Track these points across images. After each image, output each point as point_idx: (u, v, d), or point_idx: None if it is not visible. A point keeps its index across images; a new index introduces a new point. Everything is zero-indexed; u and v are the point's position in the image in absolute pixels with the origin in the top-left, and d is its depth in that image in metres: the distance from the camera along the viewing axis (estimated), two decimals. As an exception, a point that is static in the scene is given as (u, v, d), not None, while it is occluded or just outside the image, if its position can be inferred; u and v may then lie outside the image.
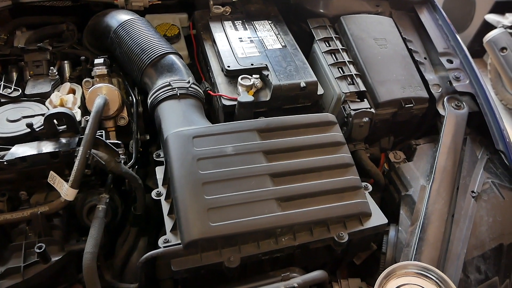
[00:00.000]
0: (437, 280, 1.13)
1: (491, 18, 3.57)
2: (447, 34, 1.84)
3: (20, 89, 1.52)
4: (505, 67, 3.24)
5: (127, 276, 1.39)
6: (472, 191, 1.42)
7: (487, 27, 3.56)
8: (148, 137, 1.63)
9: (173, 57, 1.56)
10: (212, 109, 1.68)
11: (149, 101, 1.48)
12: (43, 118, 1.30)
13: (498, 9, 3.61)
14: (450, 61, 1.75)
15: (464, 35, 3.96)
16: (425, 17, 1.92)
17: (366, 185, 1.32)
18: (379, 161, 1.73)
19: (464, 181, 1.45)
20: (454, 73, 1.71)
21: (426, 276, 1.14)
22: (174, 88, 1.44)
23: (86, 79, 1.54)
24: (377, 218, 1.24)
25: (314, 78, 1.56)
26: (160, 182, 1.30)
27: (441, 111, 1.63)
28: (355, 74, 1.64)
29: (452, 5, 4.06)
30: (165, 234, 1.15)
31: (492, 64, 3.56)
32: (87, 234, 1.20)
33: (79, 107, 1.47)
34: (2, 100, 1.48)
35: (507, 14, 3.42)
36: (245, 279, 1.18)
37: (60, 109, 1.30)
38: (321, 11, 1.90)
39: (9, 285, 1.14)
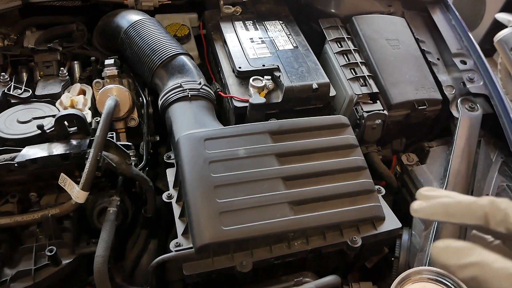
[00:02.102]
0: (452, 286, 1.11)
1: (502, 17, 3.52)
2: (461, 34, 1.82)
3: (30, 90, 1.51)
4: (516, 66, 3.20)
5: (137, 279, 1.39)
6: (487, 195, 1.39)
7: (498, 26, 3.51)
8: (158, 138, 1.62)
9: (184, 58, 1.55)
10: (222, 110, 1.67)
11: (159, 102, 1.47)
12: (53, 119, 1.29)
13: (509, 8, 3.57)
14: (464, 62, 1.72)
15: (474, 34, 3.90)
16: (438, 17, 1.89)
17: (379, 188, 1.30)
18: (390, 163, 1.71)
19: (478, 184, 1.42)
20: (468, 74, 1.68)
21: (441, 282, 1.12)
22: (185, 89, 1.42)
23: (97, 80, 1.53)
24: (391, 222, 1.22)
25: (326, 80, 1.54)
26: (171, 184, 1.29)
27: (454, 113, 1.60)
28: (367, 75, 1.62)
29: (462, 4, 4.01)
30: (176, 237, 1.14)
31: (503, 64, 3.52)
32: (97, 236, 1.19)
33: (89, 108, 1.46)
34: (12, 101, 1.47)
35: (518, 13, 3.38)
36: (257, 283, 1.16)
37: (70, 111, 1.29)
38: (333, 11, 1.88)
39: (20, 288, 1.14)
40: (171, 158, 1.38)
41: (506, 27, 3.34)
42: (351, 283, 1.31)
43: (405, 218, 1.40)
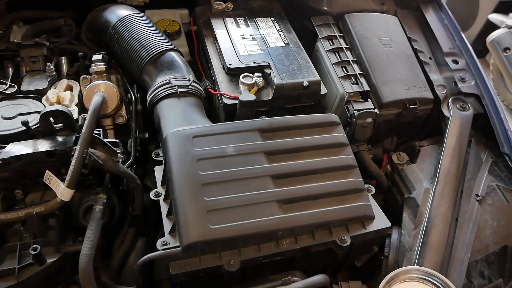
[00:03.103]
0: (440, 286, 1.10)
1: (495, 18, 3.54)
2: (453, 34, 1.81)
3: (15, 85, 1.48)
4: (508, 67, 3.21)
5: (125, 277, 1.37)
6: (477, 195, 1.39)
7: (491, 27, 3.53)
8: (147, 135, 1.60)
9: (173, 54, 1.53)
10: (212, 107, 1.65)
11: (148, 99, 1.45)
12: (39, 115, 1.27)
13: (502, 9, 3.58)
14: (456, 62, 1.72)
15: (467, 34, 3.93)
16: (431, 16, 1.89)
17: (369, 187, 1.30)
18: (381, 163, 1.71)
19: (468, 184, 1.42)
20: (459, 73, 1.68)
21: (430, 282, 1.11)
22: (174, 86, 1.41)
23: (84, 75, 1.51)
24: (380, 221, 1.21)
25: (318, 77, 1.53)
26: (158, 182, 1.28)
27: (445, 113, 1.60)
28: (359, 73, 1.61)
29: (455, 5, 4.02)
30: (163, 235, 1.12)
31: (495, 64, 3.53)
32: (84, 234, 1.17)
33: (76, 105, 1.44)
34: (-3, 97, 1.45)
35: (511, 14, 3.39)
36: (245, 282, 1.15)
37: (56, 107, 1.27)
38: (325, 8, 1.87)
39: (3, 287, 1.12)
40: (160, 155, 1.36)
41: (499, 28, 3.36)
42: (341, 282, 1.30)
43: (395, 217, 1.40)
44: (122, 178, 1.37)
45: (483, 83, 1.64)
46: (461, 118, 1.57)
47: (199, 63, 1.82)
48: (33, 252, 1.11)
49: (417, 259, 1.25)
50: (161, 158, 1.35)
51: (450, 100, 1.62)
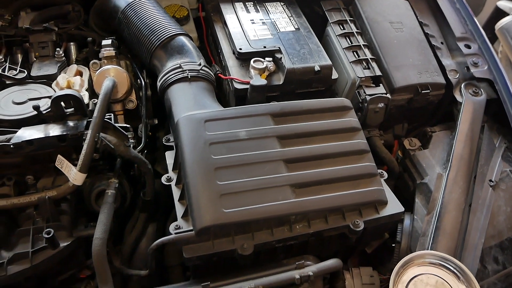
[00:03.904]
0: (455, 271, 1.10)
1: (504, 4, 3.49)
2: (465, 18, 1.78)
3: (25, 71, 1.47)
4: (517, 55, 3.17)
5: (136, 263, 1.37)
6: (490, 180, 1.38)
7: (499, 14, 3.48)
8: (156, 122, 1.59)
9: (183, 38, 1.52)
10: (222, 93, 1.64)
11: (158, 83, 1.44)
12: (49, 100, 1.26)
13: (511, -5, 3.53)
14: (468, 46, 1.70)
15: (475, 22, 3.88)
16: (442, 1, 1.86)
17: (382, 172, 1.29)
18: (392, 148, 1.70)
19: (481, 169, 1.41)
20: (472, 58, 1.66)
21: (444, 266, 1.11)
22: (185, 70, 1.39)
23: (94, 61, 1.49)
24: (393, 206, 1.21)
25: (329, 62, 1.51)
26: (170, 167, 1.27)
27: (458, 98, 1.58)
28: (370, 58, 1.59)
29: (464, -9, 3.97)
30: (175, 220, 1.12)
31: (503, 52, 3.48)
32: (95, 219, 1.17)
33: (86, 90, 1.43)
34: (7, 82, 1.44)
35: (520, 1, 3.34)
36: (259, 267, 1.15)
37: (67, 91, 1.26)
38: (335, -7, 1.85)
39: (17, 270, 1.12)
40: (170, 140, 1.35)
41: (508, 15, 3.31)
42: (351, 268, 1.30)
43: (407, 203, 1.39)
44: (133, 164, 1.36)
45: (496, 68, 1.62)
46: (474, 103, 1.55)
47: (208, 49, 1.80)
48: (46, 236, 1.11)
49: (431, 244, 1.24)
50: (172, 144, 1.34)
51: (462, 85, 1.60)
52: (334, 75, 1.54)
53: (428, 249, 1.23)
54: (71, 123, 1.25)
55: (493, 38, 3.70)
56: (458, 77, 1.63)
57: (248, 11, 1.72)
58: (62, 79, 1.42)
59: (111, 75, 1.41)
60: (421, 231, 1.30)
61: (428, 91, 1.56)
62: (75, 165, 1.18)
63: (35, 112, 1.26)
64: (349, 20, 1.73)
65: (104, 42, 1.53)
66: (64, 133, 1.20)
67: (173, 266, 1.38)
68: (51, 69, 1.51)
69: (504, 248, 1.28)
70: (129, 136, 1.30)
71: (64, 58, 1.57)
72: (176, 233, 1.08)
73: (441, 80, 1.61)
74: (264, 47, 1.54)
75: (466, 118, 1.51)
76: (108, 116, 1.27)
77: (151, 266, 1.18)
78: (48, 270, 1.18)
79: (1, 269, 1.11)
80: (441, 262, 1.11)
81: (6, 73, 1.45)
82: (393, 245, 1.35)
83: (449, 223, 1.28)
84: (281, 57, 1.50)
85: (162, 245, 1.11)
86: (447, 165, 1.40)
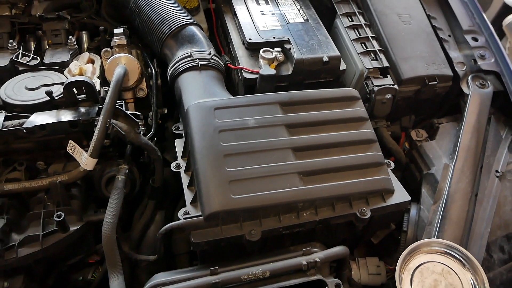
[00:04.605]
0: (461, 259, 1.11)
1: (511, 1, 3.47)
2: (472, 11, 1.79)
3: (38, 58, 1.50)
4: (525, 51, 3.16)
5: (144, 249, 1.39)
6: (496, 171, 1.39)
7: (507, 10, 3.46)
8: (165, 111, 1.61)
9: (193, 28, 1.53)
10: (231, 83, 1.65)
11: (169, 72, 1.45)
12: (62, 86, 1.28)
13: (520, -8, 3.51)
14: (475, 39, 1.70)
15: (483, 18, 3.86)
16: (450, -6, 1.86)
17: (389, 162, 1.30)
18: (399, 140, 1.70)
19: (488, 160, 1.42)
20: (479, 51, 1.66)
21: (450, 254, 1.12)
22: (195, 59, 1.41)
23: (106, 49, 1.51)
24: (400, 195, 1.21)
25: (337, 53, 1.52)
26: (179, 154, 1.28)
27: (465, 90, 1.59)
28: (378, 49, 1.60)
29: (471, -13, 3.95)
30: (183, 207, 1.13)
31: (511, 48, 3.47)
32: (104, 206, 1.19)
33: (98, 77, 1.44)
34: (20, 69, 1.46)
35: (529, -3, 3.32)
36: (266, 253, 1.16)
37: (79, 78, 1.27)
38: (344, -15, 1.85)
39: (28, 253, 1.15)
40: (180, 129, 1.37)
41: (516, 11, 3.30)
42: (358, 258, 1.32)
43: (413, 193, 1.39)
44: (142, 151, 1.38)
45: (503, 61, 1.62)
46: (481, 95, 1.55)
47: (218, 40, 1.82)
48: (57, 219, 1.14)
49: (437, 233, 1.25)
50: (181, 132, 1.36)
51: (469, 78, 1.61)
52: (342, 66, 1.55)
53: (434, 238, 1.24)
54: (82, 109, 1.27)
55: (501, 35, 3.69)
56: (465, 69, 1.64)
57: (258, 2, 1.73)
58: (74, 66, 1.43)
59: (123, 63, 1.43)
60: (428, 220, 1.31)
61: (435, 83, 1.57)
62: (86, 151, 1.20)
63: (48, 98, 1.28)
64: (358, 12, 1.74)
65: (116, 30, 1.55)
66: (76, 119, 1.22)
67: (180, 254, 1.40)
68: (63, 57, 1.53)
69: (510, 237, 1.29)
70: (139, 123, 1.31)
71: (76, 46, 1.59)
72: (184, 218, 1.09)
73: (449, 72, 1.61)
74: (274, 37, 1.55)
75: (473, 109, 1.51)
76: (119, 103, 1.29)
77: (160, 251, 1.20)
78: (58, 253, 1.21)
79: (12, 251, 1.13)
80: (447, 250, 1.13)
81: (19, 60, 1.47)
82: (399, 237, 1.36)
83: (455, 212, 1.29)
84: (290, 48, 1.51)
85: (171, 231, 1.13)
86: (454, 156, 1.41)
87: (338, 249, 1.15)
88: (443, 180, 1.37)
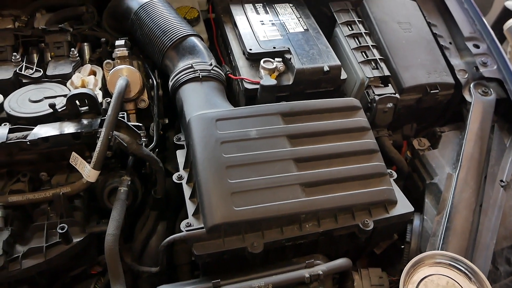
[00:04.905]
0: (466, 271, 1.09)
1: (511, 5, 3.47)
2: (473, 18, 1.78)
3: (41, 70, 1.51)
4: (526, 56, 3.15)
5: (146, 260, 1.39)
6: (501, 180, 1.38)
7: (507, 14, 3.46)
8: (167, 121, 1.61)
9: (194, 39, 1.54)
10: (231, 93, 1.65)
11: (170, 83, 1.46)
12: (65, 99, 1.29)
13: (520, -4, 3.51)
14: (477, 46, 1.70)
15: (484, 22, 3.85)
16: (450, 1, 1.86)
17: (391, 172, 1.29)
18: (400, 149, 1.70)
19: (492, 169, 1.41)
20: (481, 58, 1.66)
21: (455, 267, 1.10)
22: (196, 70, 1.41)
23: (107, 60, 1.52)
24: (403, 205, 1.21)
25: (338, 62, 1.52)
26: (181, 165, 1.28)
27: (467, 98, 1.58)
28: (379, 58, 1.60)
29: (472, -8, 3.95)
30: (185, 218, 1.13)
31: (511, 52, 3.47)
32: (106, 217, 1.19)
33: (100, 89, 1.45)
34: (24, 81, 1.47)
35: (529, 1, 3.32)
36: (268, 265, 1.15)
37: (82, 90, 1.28)
38: (343, -6, 1.86)
39: (32, 264, 1.14)
40: (181, 139, 1.37)
41: (516, 15, 3.29)
42: (360, 269, 1.30)
43: (416, 203, 1.38)
44: (144, 162, 1.38)
45: (506, 68, 1.62)
46: (484, 103, 1.55)
47: (218, 50, 1.82)
48: (60, 231, 1.14)
49: (441, 245, 1.24)
50: (183, 142, 1.36)
51: (471, 85, 1.60)
52: (343, 75, 1.55)
53: (438, 249, 1.23)
54: (85, 121, 1.27)
55: (501, 39, 3.68)
56: (467, 77, 1.63)
57: (257, 12, 1.74)
58: (76, 78, 1.44)
59: (124, 74, 1.44)
60: (431, 231, 1.30)
61: (437, 91, 1.57)
62: (88, 162, 1.20)
63: (51, 110, 1.29)
64: (358, 20, 1.74)
65: (118, 42, 1.56)
66: (79, 131, 1.23)
67: (182, 265, 1.40)
68: (66, 69, 1.54)
69: (516, 249, 1.28)
70: (141, 135, 1.31)
71: (78, 58, 1.60)
72: (187, 231, 1.09)
73: (450, 80, 1.61)
74: (274, 47, 1.55)
75: (475, 117, 1.51)
76: (121, 115, 1.29)
77: (162, 263, 1.20)
78: (61, 265, 1.21)
79: (16, 263, 1.13)
80: (452, 263, 1.11)
81: (23, 72, 1.48)
82: (402, 246, 1.35)
83: (459, 223, 1.28)
84: (290, 58, 1.51)
85: (173, 243, 1.12)
86: (457, 165, 1.41)
87: (341, 261, 1.14)
88: (447, 190, 1.36)
